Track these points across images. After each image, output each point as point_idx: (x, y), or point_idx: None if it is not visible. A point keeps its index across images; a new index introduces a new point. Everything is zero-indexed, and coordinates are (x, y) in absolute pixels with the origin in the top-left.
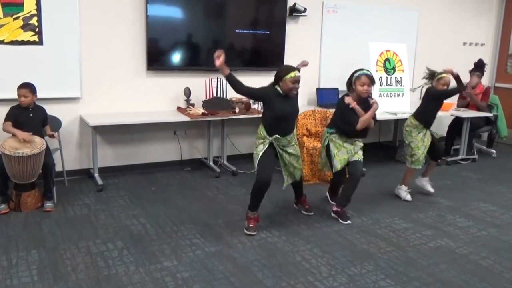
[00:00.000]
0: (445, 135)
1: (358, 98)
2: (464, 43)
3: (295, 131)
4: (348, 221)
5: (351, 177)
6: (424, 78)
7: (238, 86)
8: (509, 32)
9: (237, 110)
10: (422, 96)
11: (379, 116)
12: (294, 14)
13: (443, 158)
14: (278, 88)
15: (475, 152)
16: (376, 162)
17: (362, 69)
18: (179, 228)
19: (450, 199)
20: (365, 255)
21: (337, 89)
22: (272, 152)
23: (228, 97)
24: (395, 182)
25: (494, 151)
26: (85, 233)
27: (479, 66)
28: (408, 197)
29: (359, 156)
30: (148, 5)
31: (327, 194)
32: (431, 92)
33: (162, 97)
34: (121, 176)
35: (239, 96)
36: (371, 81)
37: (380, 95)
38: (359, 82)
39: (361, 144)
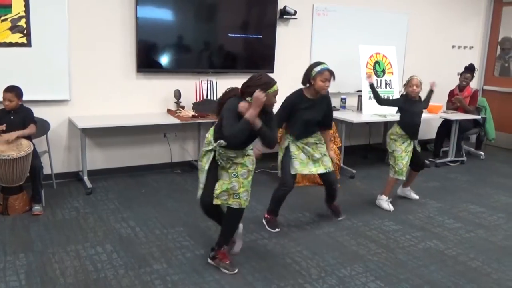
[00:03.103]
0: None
1: (317, 94)
2: (453, 46)
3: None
4: (342, 217)
5: (328, 187)
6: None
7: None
8: (497, 35)
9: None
10: None
11: (368, 119)
12: (284, 17)
13: (431, 160)
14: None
15: (464, 154)
16: (365, 165)
17: (322, 63)
18: (169, 231)
19: (439, 200)
20: (355, 257)
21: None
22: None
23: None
24: (386, 184)
25: (482, 153)
26: (73, 236)
27: (470, 69)
28: (391, 207)
29: (326, 166)
30: (138, 7)
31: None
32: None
33: (152, 100)
34: (111, 179)
35: None
36: (332, 76)
37: (370, 98)
38: (321, 77)
39: (324, 148)
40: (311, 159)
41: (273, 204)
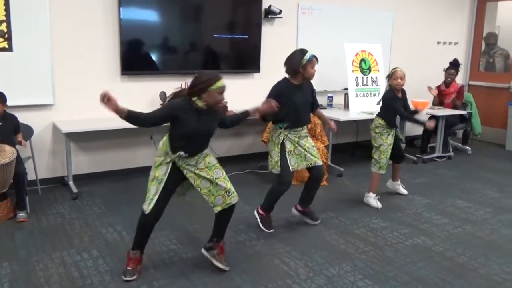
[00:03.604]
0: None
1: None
2: (438, 42)
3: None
4: (318, 221)
5: (315, 180)
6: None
7: (142, 121)
8: (481, 31)
9: None
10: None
11: (355, 116)
12: (269, 16)
13: (419, 156)
14: (198, 102)
15: (451, 150)
16: (353, 162)
17: (306, 50)
18: (156, 235)
19: (427, 196)
20: (343, 256)
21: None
22: (175, 175)
23: None
24: (371, 181)
25: (469, 148)
26: (59, 243)
27: (454, 65)
28: (379, 204)
29: (317, 157)
30: (121, 8)
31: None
32: (385, 99)
33: (138, 102)
34: (97, 183)
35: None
36: (317, 60)
37: (356, 95)
38: (311, 64)
39: (312, 142)
40: (307, 152)
41: (269, 201)
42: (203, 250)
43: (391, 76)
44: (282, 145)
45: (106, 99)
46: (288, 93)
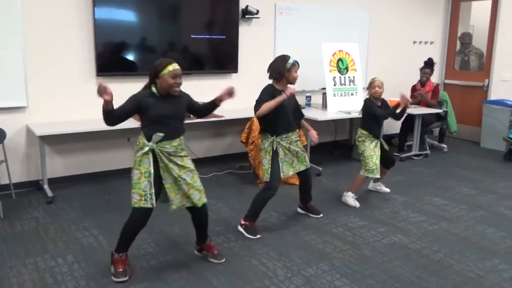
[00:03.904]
0: (393, 137)
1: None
2: (414, 42)
3: (183, 140)
4: (321, 214)
5: (306, 181)
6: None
7: (115, 117)
8: (456, 30)
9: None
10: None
11: (333, 116)
12: (246, 16)
13: (396, 154)
14: (154, 89)
15: (428, 148)
16: (332, 161)
17: (286, 55)
18: None
19: (404, 195)
20: (321, 256)
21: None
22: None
23: None
24: (351, 181)
25: (445, 146)
26: (33, 248)
27: (429, 64)
28: (357, 204)
29: (306, 163)
30: (95, 8)
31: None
32: (364, 107)
33: (114, 103)
34: (73, 187)
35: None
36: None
37: (334, 95)
38: (294, 68)
39: (301, 146)
40: (296, 157)
41: (255, 208)
42: (196, 252)
43: (369, 86)
44: (275, 153)
45: (103, 89)
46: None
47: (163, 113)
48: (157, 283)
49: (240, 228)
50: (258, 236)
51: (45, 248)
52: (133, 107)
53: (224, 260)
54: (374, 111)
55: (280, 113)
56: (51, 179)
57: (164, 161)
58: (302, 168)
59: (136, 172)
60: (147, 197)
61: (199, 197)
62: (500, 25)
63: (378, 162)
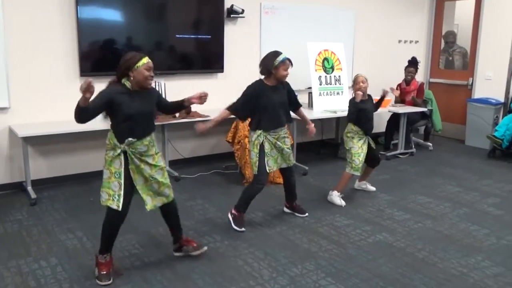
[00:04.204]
0: (379, 136)
1: (277, 82)
2: (399, 41)
3: (153, 137)
4: (306, 213)
5: (289, 178)
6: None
7: (88, 113)
8: (440, 29)
9: (177, 114)
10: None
11: (319, 115)
12: (232, 16)
13: (382, 153)
14: (127, 83)
15: (413, 146)
16: (318, 160)
17: (280, 52)
18: (118, 239)
19: (389, 193)
20: (306, 255)
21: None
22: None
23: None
24: (338, 180)
25: (430, 144)
26: (16, 251)
27: (413, 63)
28: (342, 202)
29: (291, 161)
30: (78, 7)
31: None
32: (349, 104)
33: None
34: (57, 188)
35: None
36: (291, 64)
37: (320, 94)
38: (284, 66)
39: (289, 142)
40: (280, 154)
41: (243, 200)
42: (175, 254)
43: (354, 83)
44: (262, 146)
45: (88, 85)
46: (262, 94)
47: (136, 111)
48: (141, 285)
49: (229, 216)
50: (243, 229)
51: (28, 250)
52: (105, 103)
53: (206, 248)
54: (349, 106)
55: (266, 109)
56: (34, 180)
57: (136, 163)
58: (284, 165)
59: (106, 171)
60: (114, 198)
61: (169, 193)
62: (483, 24)
63: (363, 160)
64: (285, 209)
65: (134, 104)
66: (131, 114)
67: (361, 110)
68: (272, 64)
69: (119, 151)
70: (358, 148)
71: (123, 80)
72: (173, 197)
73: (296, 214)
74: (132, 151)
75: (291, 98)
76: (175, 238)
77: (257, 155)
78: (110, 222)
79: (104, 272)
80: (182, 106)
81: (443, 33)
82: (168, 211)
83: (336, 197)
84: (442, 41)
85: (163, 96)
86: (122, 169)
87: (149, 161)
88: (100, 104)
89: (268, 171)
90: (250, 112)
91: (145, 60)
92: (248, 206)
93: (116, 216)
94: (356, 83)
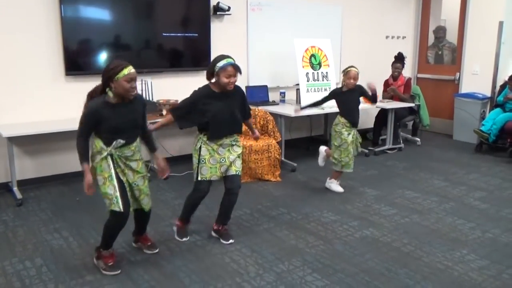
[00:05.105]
0: (367, 132)
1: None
2: (387, 37)
3: (138, 142)
4: (231, 240)
5: (230, 192)
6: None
7: (87, 146)
8: (427, 24)
9: (164, 112)
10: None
11: (307, 112)
12: (218, 13)
13: (370, 148)
14: (110, 93)
15: (401, 141)
16: (307, 156)
17: (226, 57)
18: None
19: (377, 188)
20: (293, 251)
21: (266, 86)
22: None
23: (155, 99)
24: (326, 176)
25: (418, 139)
26: (0, 252)
27: (399, 58)
28: (340, 189)
29: (236, 168)
30: (62, 6)
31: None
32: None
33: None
34: (43, 188)
35: (165, 97)
36: (238, 71)
37: (307, 91)
38: (224, 73)
39: (240, 150)
40: (222, 163)
41: (185, 210)
42: (133, 244)
43: (345, 74)
44: (201, 151)
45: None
46: (206, 101)
47: (119, 124)
48: (128, 284)
49: (173, 228)
50: (186, 239)
51: (13, 251)
52: (94, 123)
53: (157, 250)
54: (325, 96)
55: (208, 117)
56: (20, 181)
57: (121, 166)
58: (230, 172)
59: (99, 178)
60: (114, 201)
61: (147, 202)
62: (469, 18)
63: (353, 155)
64: (213, 233)
65: (118, 117)
66: (115, 128)
67: (345, 101)
68: (212, 69)
69: (105, 153)
70: (347, 145)
71: (107, 90)
72: (150, 208)
73: (221, 240)
74: (118, 155)
75: (242, 106)
76: (137, 234)
77: (197, 160)
78: (114, 224)
79: (111, 263)
80: (149, 149)
81: (432, 28)
82: (142, 219)
83: (334, 185)
84: (432, 36)
85: (151, 93)
86: (112, 171)
87: (133, 166)
88: (89, 128)
89: (200, 179)
90: (192, 122)
91: (126, 71)
92: (191, 215)
93: (119, 218)
94: (347, 77)
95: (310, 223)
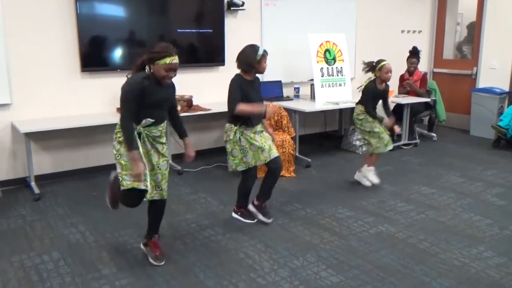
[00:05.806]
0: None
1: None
2: (402, 31)
3: (165, 124)
4: (272, 219)
5: (274, 172)
6: (364, 71)
7: (132, 128)
8: (443, 18)
9: (179, 108)
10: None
11: (322, 107)
12: (232, 8)
13: None
14: (147, 70)
15: (417, 137)
16: (322, 152)
17: (257, 45)
18: (120, 234)
19: (392, 184)
20: (307, 247)
21: (280, 81)
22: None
23: None
24: (341, 172)
25: (434, 134)
26: (18, 246)
27: (414, 53)
28: (377, 180)
29: (277, 151)
30: (77, 3)
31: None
32: (365, 90)
33: (100, 99)
34: (60, 183)
35: (180, 93)
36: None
37: (322, 86)
38: (264, 59)
39: (268, 136)
40: (263, 148)
41: (241, 198)
42: (141, 246)
43: (380, 69)
44: (241, 142)
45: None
46: (244, 88)
47: (159, 98)
48: (142, 278)
49: (235, 215)
50: (256, 220)
51: (31, 245)
52: (138, 96)
53: (163, 263)
54: (367, 100)
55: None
56: (38, 176)
57: (147, 146)
58: (274, 154)
59: (123, 156)
60: (142, 178)
61: (165, 189)
62: (487, 12)
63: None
64: (250, 207)
65: (158, 92)
66: (155, 102)
67: (378, 97)
68: (254, 59)
69: (135, 132)
70: (378, 127)
71: (146, 68)
72: (166, 196)
73: (260, 217)
74: (146, 134)
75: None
76: (149, 235)
77: (241, 151)
78: (162, 208)
79: (158, 253)
80: (179, 135)
81: (447, 22)
82: (157, 208)
83: (372, 174)
84: (466, 30)
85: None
86: (140, 149)
87: (159, 148)
88: (134, 104)
89: (246, 167)
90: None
91: (168, 60)
92: (248, 200)
93: (137, 195)
94: (383, 71)
95: (325, 219)
